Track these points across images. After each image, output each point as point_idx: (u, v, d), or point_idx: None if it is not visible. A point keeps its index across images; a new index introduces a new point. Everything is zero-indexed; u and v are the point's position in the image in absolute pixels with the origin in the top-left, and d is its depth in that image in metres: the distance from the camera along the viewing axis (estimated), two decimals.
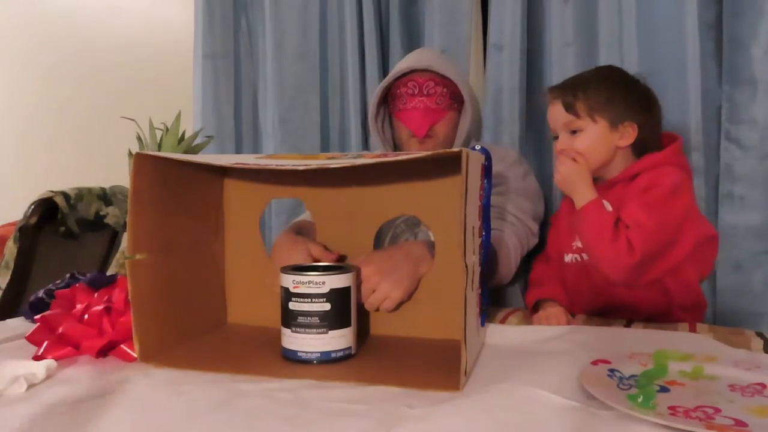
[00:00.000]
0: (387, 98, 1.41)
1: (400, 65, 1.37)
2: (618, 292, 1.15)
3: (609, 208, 1.12)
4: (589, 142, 1.16)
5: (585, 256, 1.20)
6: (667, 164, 1.15)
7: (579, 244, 1.20)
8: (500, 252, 1.20)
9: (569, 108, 1.17)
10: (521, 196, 1.30)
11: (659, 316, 1.14)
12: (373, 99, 1.40)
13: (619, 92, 1.17)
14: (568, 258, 1.24)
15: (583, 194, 1.11)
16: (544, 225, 1.40)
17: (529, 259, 1.37)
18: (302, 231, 1.13)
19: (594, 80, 1.19)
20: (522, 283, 1.50)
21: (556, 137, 1.22)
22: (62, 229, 1.67)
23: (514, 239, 1.25)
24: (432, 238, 0.97)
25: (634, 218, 1.07)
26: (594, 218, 1.09)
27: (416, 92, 1.32)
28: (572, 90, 1.18)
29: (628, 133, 1.17)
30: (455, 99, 1.35)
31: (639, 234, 1.05)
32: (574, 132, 1.18)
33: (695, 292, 1.20)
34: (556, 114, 1.20)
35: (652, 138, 1.20)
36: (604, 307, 1.18)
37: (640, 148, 1.19)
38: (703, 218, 1.23)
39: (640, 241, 1.05)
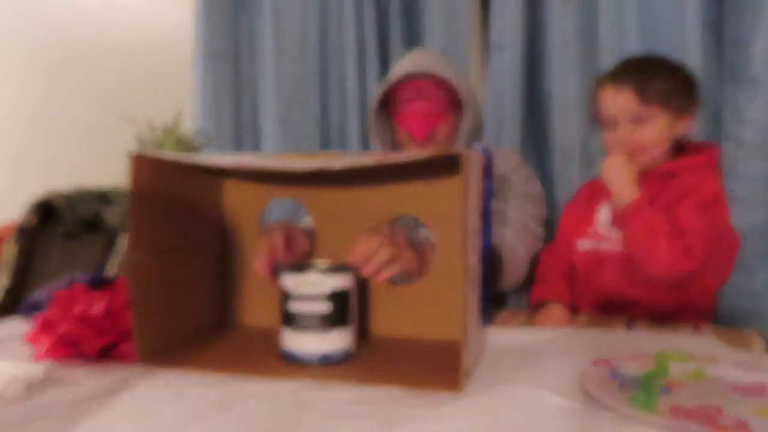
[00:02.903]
0: (387, 100, 1.40)
1: (397, 69, 1.35)
2: (629, 287, 1.14)
3: None
4: (656, 133, 1.12)
5: (603, 245, 1.17)
6: (708, 168, 1.13)
7: (600, 230, 1.17)
8: (507, 259, 1.19)
9: (643, 95, 1.10)
10: (525, 200, 1.29)
11: (668, 316, 1.13)
12: (372, 103, 1.38)
13: (686, 81, 1.14)
14: (583, 245, 1.21)
15: (628, 190, 1.08)
16: (552, 219, 1.40)
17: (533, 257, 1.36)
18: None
19: (661, 67, 1.14)
20: (524, 284, 1.49)
21: (605, 125, 1.16)
22: (62, 229, 1.67)
23: (520, 246, 1.24)
24: (432, 239, 0.97)
25: (690, 223, 1.05)
26: (645, 218, 1.06)
27: (415, 96, 1.31)
28: (645, 76, 1.11)
29: (687, 124, 1.14)
30: (455, 101, 1.33)
31: (698, 239, 1.03)
32: (637, 120, 1.12)
33: (710, 296, 1.19)
34: (621, 101, 1.12)
35: (694, 127, 1.19)
36: (612, 301, 1.16)
37: (679, 139, 1.17)
38: (729, 224, 1.22)
39: (700, 247, 1.03)
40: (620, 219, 1.10)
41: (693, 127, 1.16)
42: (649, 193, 1.12)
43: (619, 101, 1.13)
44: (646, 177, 1.14)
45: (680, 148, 1.18)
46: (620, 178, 1.09)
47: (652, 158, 1.14)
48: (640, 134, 1.12)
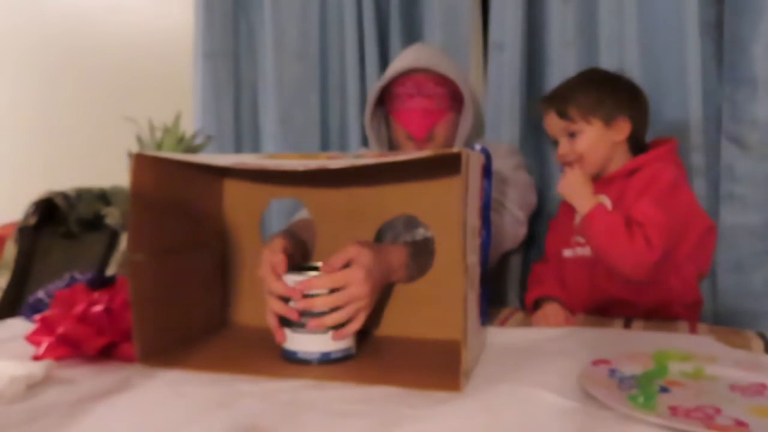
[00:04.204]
0: (384, 96, 1.37)
1: (398, 63, 1.33)
2: (617, 287, 1.16)
3: (609, 204, 1.16)
4: (588, 143, 1.22)
5: (586, 251, 1.21)
6: (663, 160, 1.20)
7: (580, 240, 1.22)
8: None
9: (563, 115, 1.23)
10: (509, 186, 1.27)
11: (658, 311, 1.15)
12: (369, 98, 1.35)
13: (606, 90, 1.23)
14: (568, 253, 1.25)
15: (585, 201, 1.14)
16: (543, 230, 1.40)
17: (526, 262, 1.37)
18: (297, 233, 1.06)
19: (581, 84, 1.25)
20: (518, 283, 1.49)
21: (556, 142, 1.27)
22: (62, 229, 1.67)
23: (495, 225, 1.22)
24: (426, 236, 0.96)
25: (647, 215, 1.09)
26: (602, 222, 1.11)
27: (415, 92, 1.28)
28: (562, 97, 1.24)
29: (623, 127, 1.22)
30: (455, 99, 1.31)
31: (656, 230, 1.07)
32: (572, 135, 1.23)
33: (694, 288, 1.22)
34: (552, 122, 1.26)
35: (644, 128, 1.27)
36: (603, 303, 1.19)
37: (634, 140, 1.24)
38: (700, 209, 1.25)
39: (659, 237, 1.07)
40: (583, 228, 1.15)
41: (630, 129, 1.22)
42: (615, 193, 1.18)
43: (551, 123, 1.27)
44: (610, 180, 1.22)
45: (642, 148, 1.25)
46: (576, 192, 1.16)
47: (597, 164, 1.22)
48: (577, 146, 1.22)
